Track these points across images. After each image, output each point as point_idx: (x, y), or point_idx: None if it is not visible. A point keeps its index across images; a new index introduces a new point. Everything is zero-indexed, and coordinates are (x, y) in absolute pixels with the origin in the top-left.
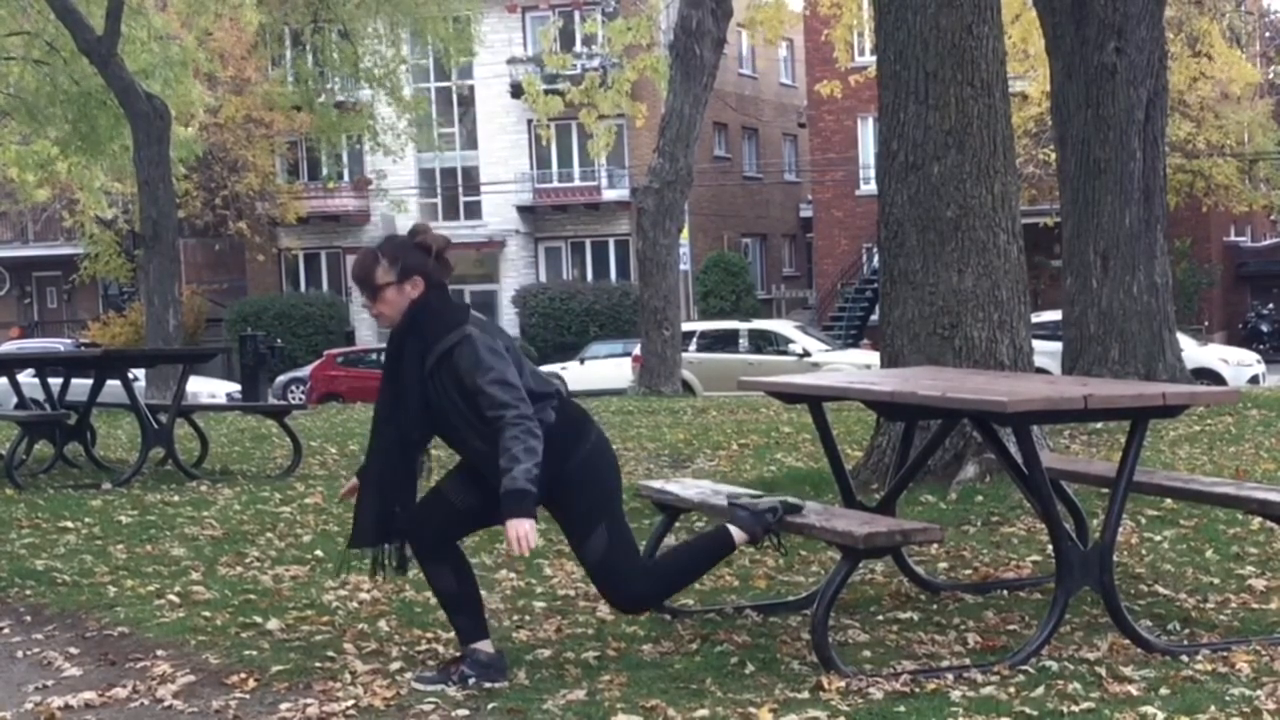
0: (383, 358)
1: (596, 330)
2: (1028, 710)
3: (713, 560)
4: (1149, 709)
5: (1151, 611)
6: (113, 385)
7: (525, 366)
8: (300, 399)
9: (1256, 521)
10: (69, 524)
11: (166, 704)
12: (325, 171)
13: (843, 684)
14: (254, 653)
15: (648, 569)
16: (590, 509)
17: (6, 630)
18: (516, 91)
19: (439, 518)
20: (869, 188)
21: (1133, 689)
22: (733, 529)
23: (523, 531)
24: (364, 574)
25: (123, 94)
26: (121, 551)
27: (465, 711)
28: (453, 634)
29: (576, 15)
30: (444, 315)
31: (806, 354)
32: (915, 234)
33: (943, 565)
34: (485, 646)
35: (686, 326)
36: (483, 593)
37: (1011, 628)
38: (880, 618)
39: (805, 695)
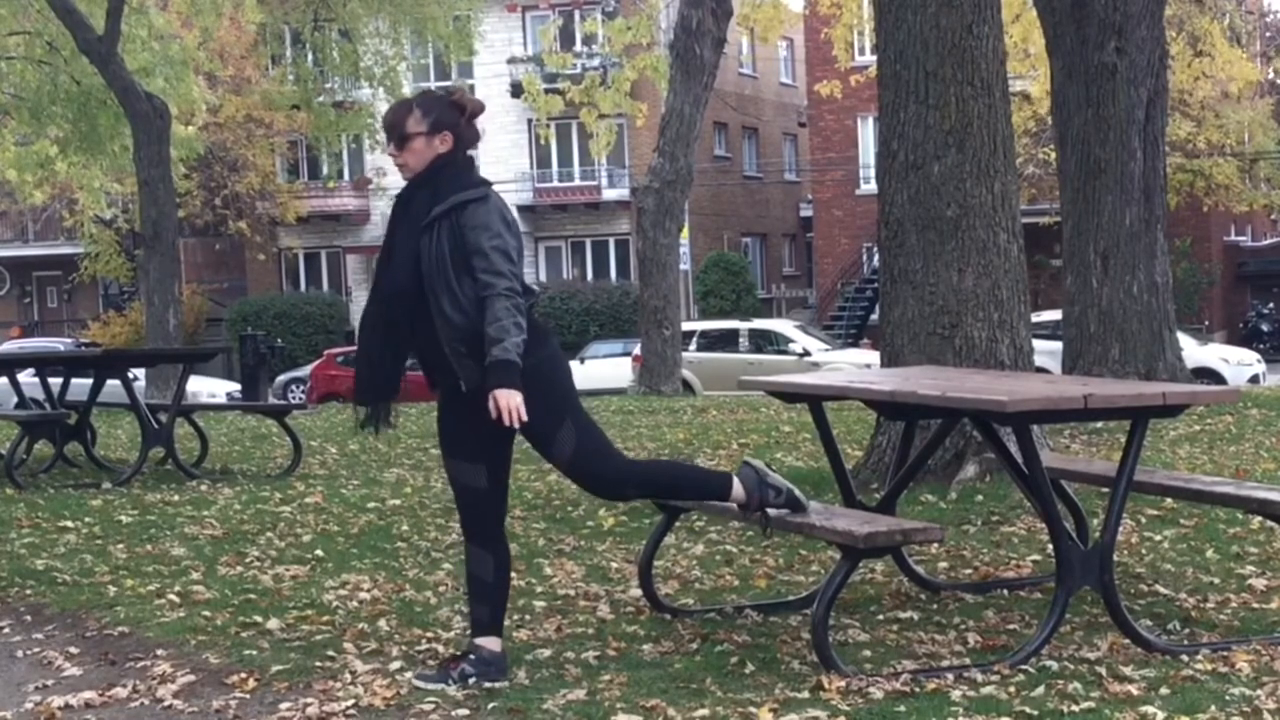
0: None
1: (596, 330)
2: (1028, 710)
3: (699, 489)
4: (1149, 709)
5: (1151, 611)
6: (113, 385)
7: (523, 258)
8: (300, 398)
9: (1257, 521)
10: (69, 523)
11: (166, 704)
12: (325, 171)
13: (843, 683)
14: (254, 652)
15: (636, 460)
16: (551, 408)
17: (7, 630)
18: (517, 91)
19: (478, 506)
20: (869, 187)
21: (1133, 689)
22: (735, 481)
23: (514, 403)
24: (364, 574)
25: (123, 93)
26: (121, 551)
27: (465, 711)
28: (453, 634)
29: (576, 14)
30: (466, 174)
31: (806, 353)
32: (915, 233)
33: (943, 565)
34: (492, 645)
35: (686, 326)
36: None
37: (1012, 627)
38: (880, 617)
39: (805, 695)
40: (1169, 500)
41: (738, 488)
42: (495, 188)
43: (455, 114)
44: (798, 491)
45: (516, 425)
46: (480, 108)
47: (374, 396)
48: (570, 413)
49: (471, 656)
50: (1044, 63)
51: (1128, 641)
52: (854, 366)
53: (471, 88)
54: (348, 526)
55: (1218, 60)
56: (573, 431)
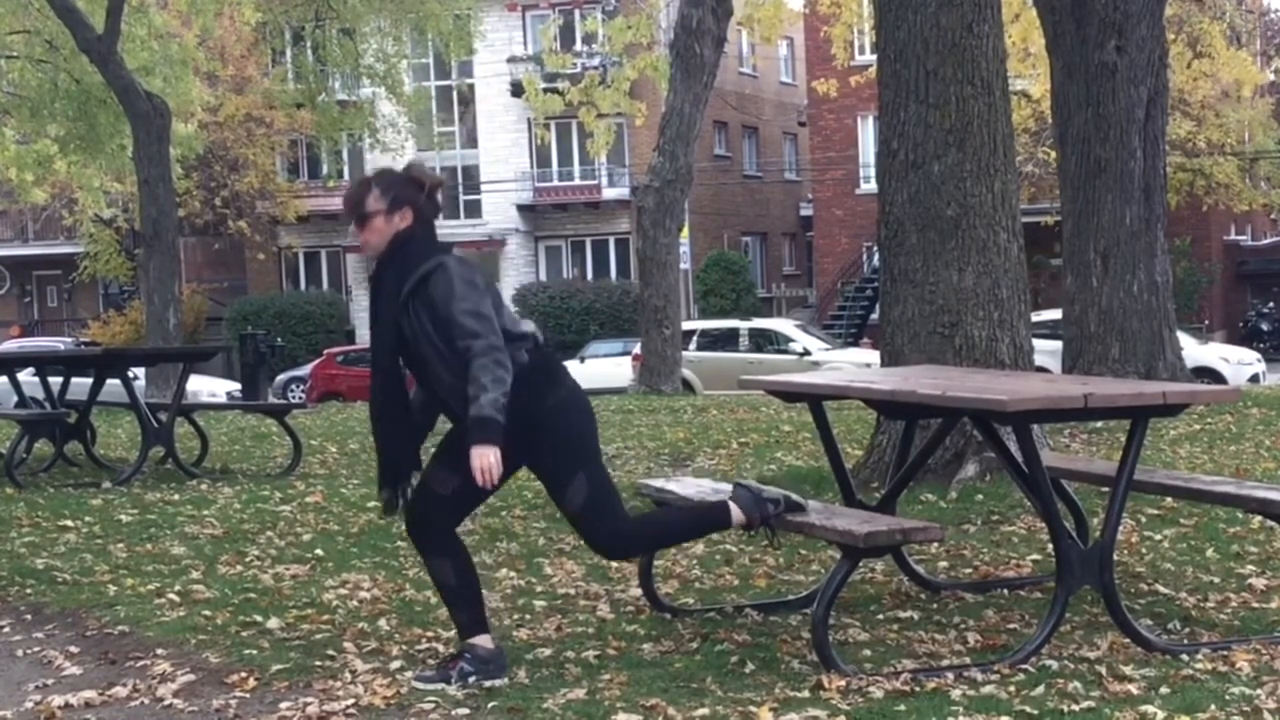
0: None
1: (597, 329)
2: (1028, 709)
3: (703, 529)
4: (1149, 708)
5: (1152, 610)
6: (113, 384)
7: (502, 307)
8: (300, 398)
9: (1257, 520)
10: (69, 523)
11: (166, 703)
12: (325, 170)
13: (843, 683)
14: (254, 651)
15: (636, 519)
16: (567, 456)
17: (7, 629)
18: (517, 90)
19: (431, 510)
20: (869, 186)
21: (1133, 688)
22: (732, 507)
23: (487, 462)
24: (364, 573)
25: (122, 92)
26: (122, 550)
27: (465, 710)
28: (453, 633)
29: (577, 14)
30: (426, 247)
31: (807, 353)
32: (915, 233)
33: (943, 564)
34: (485, 642)
35: (687, 325)
36: (483, 591)
37: (1012, 626)
38: (880, 617)
39: (805, 694)
40: (1169, 500)
41: (736, 513)
42: (495, 186)
43: (414, 190)
44: (794, 495)
45: (490, 484)
46: (439, 182)
47: (392, 479)
48: (585, 465)
49: (467, 655)
50: (1044, 62)
51: (1128, 641)
52: (854, 366)
53: (471, 87)
54: (348, 526)
55: (1218, 61)
56: (585, 486)
